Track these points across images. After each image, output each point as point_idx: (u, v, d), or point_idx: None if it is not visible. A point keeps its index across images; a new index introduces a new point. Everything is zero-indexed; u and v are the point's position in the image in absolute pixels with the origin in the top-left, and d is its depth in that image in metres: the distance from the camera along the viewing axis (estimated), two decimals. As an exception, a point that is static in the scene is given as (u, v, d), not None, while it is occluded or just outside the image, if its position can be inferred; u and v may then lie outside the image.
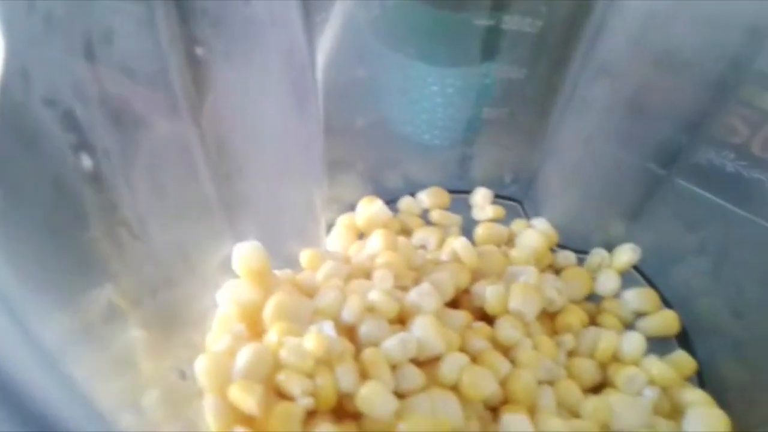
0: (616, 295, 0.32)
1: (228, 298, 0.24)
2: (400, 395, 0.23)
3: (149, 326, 0.20)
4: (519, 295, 0.28)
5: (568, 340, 0.29)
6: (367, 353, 0.23)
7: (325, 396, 0.22)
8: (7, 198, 0.14)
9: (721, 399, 0.28)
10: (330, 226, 0.34)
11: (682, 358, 0.29)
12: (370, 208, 0.33)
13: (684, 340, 0.31)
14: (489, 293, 0.28)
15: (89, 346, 0.17)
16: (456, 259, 0.30)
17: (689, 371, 0.29)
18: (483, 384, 0.24)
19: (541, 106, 0.31)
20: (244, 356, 0.22)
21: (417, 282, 0.28)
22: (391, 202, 0.35)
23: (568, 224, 0.34)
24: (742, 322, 0.29)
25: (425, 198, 0.35)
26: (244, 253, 0.25)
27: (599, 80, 0.28)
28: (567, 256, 0.33)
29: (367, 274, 0.28)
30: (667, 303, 0.32)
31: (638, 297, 0.31)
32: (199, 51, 0.19)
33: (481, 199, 0.35)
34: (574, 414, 0.26)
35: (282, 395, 0.22)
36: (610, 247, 0.33)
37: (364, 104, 0.32)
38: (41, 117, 0.15)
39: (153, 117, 0.19)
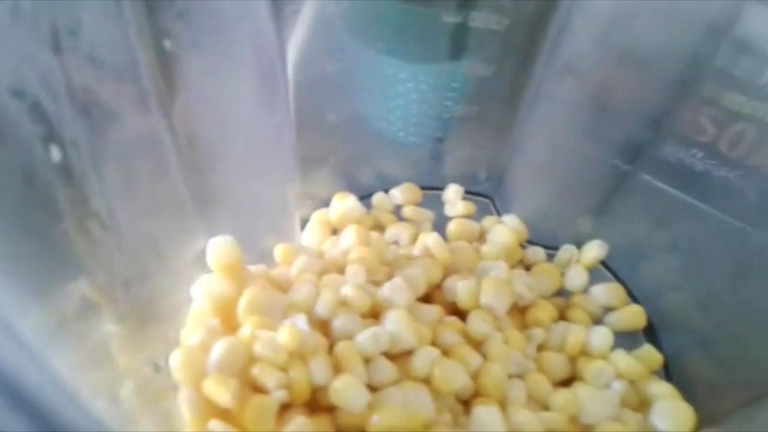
0: (585, 291, 0.32)
1: (202, 293, 0.24)
2: (373, 388, 0.24)
3: (123, 320, 0.20)
4: (490, 290, 0.28)
5: (538, 334, 0.29)
6: (340, 347, 0.24)
7: (299, 389, 0.22)
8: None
9: (687, 392, 0.28)
10: (305, 222, 0.34)
11: (649, 352, 0.29)
12: (344, 204, 0.33)
13: (651, 334, 0.32)
14: (460, 288, 0.28)
15: (65, 339, 0.17)
16: (428, 254, 0.31)
17: (656, 365, 0.29)
18: (454, 377, 0.25)
19: (509, 103, 0.31)
20: (218, 350, 0.22)
21: (390, 277, 0.28)
22: (364, 197, 0.35)
23: (538, 220, 0.34)
24: (708, 317, 0.30)
25: (398, 194, 0.35)
26: (218, 248, 0.25)
27: (564, 78, 0.28)
28: (537, 252, 0.33)
29: (341, 269, 0.28)
30: (634, 298, 0.33)
31: (606, 292, 0.32)
32: (167, 44, 0.19)
33: (452, 196, 0.35)
34: (544, 407, 0.27)
35: (256, 388, 0.22)
36: (579, 243, 0.34)
37: (337, 99, 0.32)
38: (9, 108, 0.14)
39: (122, 109, 0.19)
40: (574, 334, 0.29)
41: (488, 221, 0.35)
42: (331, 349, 0.24)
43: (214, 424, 0.21)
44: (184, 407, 0.21)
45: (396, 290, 0.27)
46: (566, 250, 0.33)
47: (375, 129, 0.34)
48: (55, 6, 0.16)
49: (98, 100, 0.18)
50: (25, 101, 0.15)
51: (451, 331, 0.27)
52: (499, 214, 0.36)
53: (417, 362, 0.25)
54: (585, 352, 0.29)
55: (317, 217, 0.33)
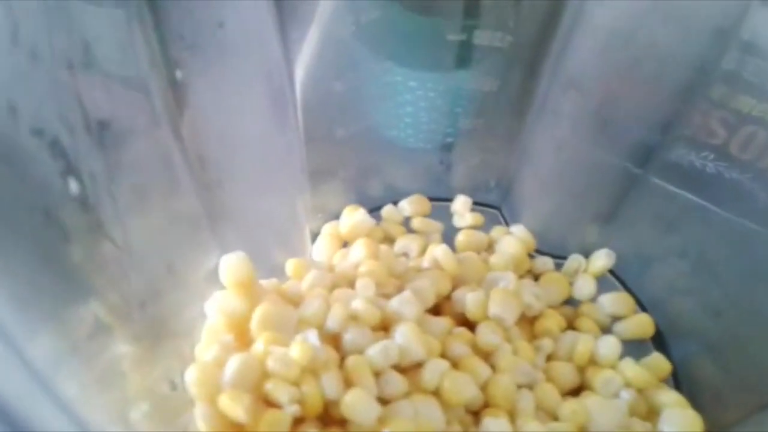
0: (593, 300, 0.33)
1: (216, 309, 0.25)
2: (383, 401, 0.24)
3: (139, 339, 0.20)
4: (498, 301, 0.29)
5: (546, 344, 0.29)
6: (351, 361, 0.24)
7: (312, 403, 0.23)
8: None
9: (696, 400, 0.29)
10: (316, 235, 0.34)
11: (657, 360, 0.30)
12: (354, 217, 0.33)
13: (660, 342, 0.32)
14: (469, 299, 0.29)
15: (79, 362, 0.17)
16: (437, 266, 0.31)
17: (664, 373, 0.30)
18: (463, 389, 0.25)
19: (515, 116, 0.32)
20: (232, 366, 0.23)
21: (399, 289, 0.29)
22: (374, 210, 0.36)
23: (546, 230, 0.35)
24: (717, 323, 0.30)
25: (407, 206, 0.36)
26: (231, 265, 0.25)
27: (568, 93, 0.29)
28: (545, 262, 0.34)
29: (351, 283, 0.29)
30: (642, 306, 0.33)
31: (613, 301, 0.32)
32: (178, 74, 0.20)
33: (461, 207, 0.36)
34: (553, 417, 0.27)
35: (270, 403, 0.23)
36: (587, 252, 0.34)
37: (345, 116, 0.33)
38: (29, 147, 0.15)
39: (136, 136, 0.20)
40: (583, 343, 0.29)
41: (496, 232, 0.35)
42: (342, 362, 0.25)
43: (230, 439, 0.21)
44: (199, 423, 0.21)
45: (405, 303, 0.27)
46: (574, 260, 0.34)
47: (386, 137, 0.35)
48: (72, 44, 0.17)
49: (113, 130, 0.18)
50: (44, 139, 0.15)
51: (460, 342, 0.28)
52: (507, 224, 0.36)
53: (427, 374, 0.25)
54: (593, 362, 0.29)
55: (328, 230, 0.34)
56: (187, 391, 0.22)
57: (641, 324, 0.31)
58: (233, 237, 0.27)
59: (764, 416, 0.26)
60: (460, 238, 0.34)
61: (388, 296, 0.28)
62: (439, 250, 0.31)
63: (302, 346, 0.23)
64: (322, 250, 0.33)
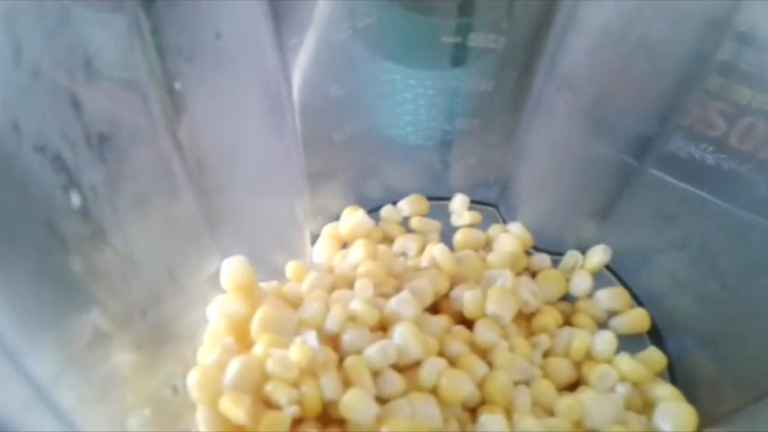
0: (590, 295, 0.33)
1: (217, 313, 0.26)
2: (381, 400, 0.25)
3: (141, 345, 0.21)
4: (495, 298, 0.29)
5: (543, 340, 0.30)
6: (349, 361, 0.25)
7: (311, 404, 0.23)
8: (2, 242, 0.15)
9: (691, 393, 0.29)
10: (316, 237, 0.35)
11: (653, 354, 0.30)
12: (353, 218, 0.34)
13: (656, 336, 0.32)
14: (467, 298, 0.29)
15: (80, 371, 0.18)
16: (435, 265, 0.32)
17: (660, 366, 0.30)
18: (460, 387, 0.26)
19: (510, 114, 0.32)
20: (233, 369, 0.23)
21: (398, 289, 0.29)
22: (374, 210, 0.36)
23: (543, 227, 0.35)
24: (713, 317, 0.30)
25: (405, 206, 0.36)
26: (231, 269, 0.26)
27: (562, 92, 0.29)
28: (542, 259, 0.34)
29: (350, 284, 0.29)
30: (639, 300, 0.33)
31: (610, 296, 0.32)
32: (177, 85, 0.21)
33: (458, 206, 0.36)
34: (549, 412, 0.27)
35: (270, 405, 0.23)
36: (584, 248, 0.35)
37: (344, 117, 0.33)
38: (32, 163, 0.16)
39: (136, 147, 0.20)
40: (579, 339, 0.30)
41: (494, 230, 0.35)
42: (341, 362, 0.25)
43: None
44: (201, 425, 0.22)
45: (403, 303, 0.28)
46: (571, 256, 0.34)
47: (385, 137, 0.35)
48: (72, 60, 0.17)
49: (113, 142, 0.19)
50: (47, 155, 0.16)
51: (458, 340, 0.28)
52: (505, 222, 0.37)
53: (424, 373, 0.26)
54: (589, 357, 0.30)
55: (327, 231, 0.35)
56: (189, 394, 0.23)
57: (637, 318, 0.32)
58: (233, 241, 0.28)
59: (758, 408, 0.26)
60: (458, 237, 0.35)
61: (387, 296, 0.28)
62: (437, 250, 0.32)
63: (301, 348, 0.24)
64: (322, 251, 0.34)
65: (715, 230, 0.29)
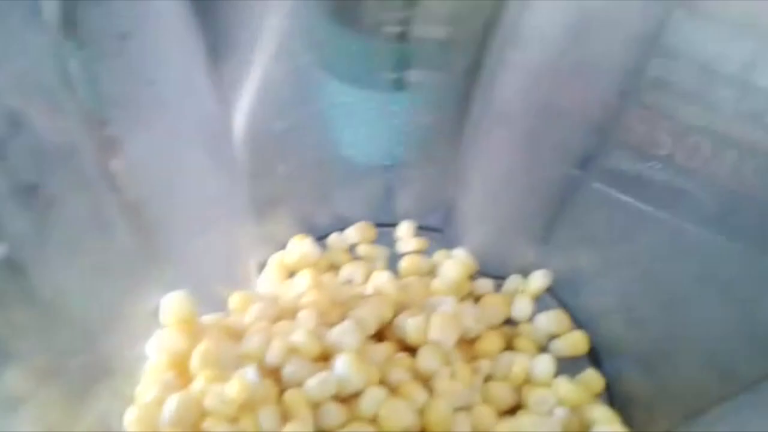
0: (530, 319, 0.34)
1: (157, 349, 0.26)
2: (323, 431, 0.25)
3: (72, 386, 0.21)
4: (438, 325, 0.30)
5: (484, 365, 0.31)
6: (288, 395, 0.25)
7: (249, 439, 0.24)
8: None
9: (628, 413, 0.30)
10: (263, 266, 0.35)
11: (590, 377, 0.31)
12: (300, 246, 0.34)
13: (595, 358, 0.33)
14: (410, 325, 0.30)
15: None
16: (380, 292, 0.32)
17: (598, 388, 0.31)
18: (400, 417, 0.26)
19: (450, 143, 0.33)
20: (170, 405, 0.24)
21: (343, 317, 0.30)
22: (322, 238, 0.37)
23: (486, 252, 0.36)
24: (645, 336, 0.31)
25: (353, 233, 0.37)
26: (171, 305, 0.26)
27: (498, 123, 0.30)
28: (485, 284, 0.35)
29: (295, 314, 0.30)
30: (579, 323, 0.34)
31: (550, 320, 0.33)
32: (110, 130, 0.21)
33: (404, 233, 0.37)
34: (489, 437, 0.28)
35: (208, 440, 0.24)
36: (527, 272, 0.35)
37: (289, 149, 0.34)
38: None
39: (65, 193, 0.20)
40: (519, 363, 0.30)
41: (439, 255, 0.36)
42: (282, 394, 0.26)
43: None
44: (138, 464, 0.22)
45: (345, 333, 0.28)
46: (513, 281, 0.35)
47: (333, 163, 0.36)
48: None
49: (41, 191, 0.19)
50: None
51: (400, 368, 0.29)
52: (450, 247, 0.37)
53: (363, 404, 0.26)
54: (529, 381, 0.30)
55: (274, 260, 0.35)
56: (126, 432, 0.23)
57: (576, 341, 0.33)
58: (175, 275, 0.28)
59: (689, 425, 0.27)
60: (403, 264, 0.35)
61: (331, 325, 0.29)
62: (381, 277, 0.32)
63: (240, 383, 0.24)
64: (269, 280, 0.34)
65: (657, 248, 0.30)
